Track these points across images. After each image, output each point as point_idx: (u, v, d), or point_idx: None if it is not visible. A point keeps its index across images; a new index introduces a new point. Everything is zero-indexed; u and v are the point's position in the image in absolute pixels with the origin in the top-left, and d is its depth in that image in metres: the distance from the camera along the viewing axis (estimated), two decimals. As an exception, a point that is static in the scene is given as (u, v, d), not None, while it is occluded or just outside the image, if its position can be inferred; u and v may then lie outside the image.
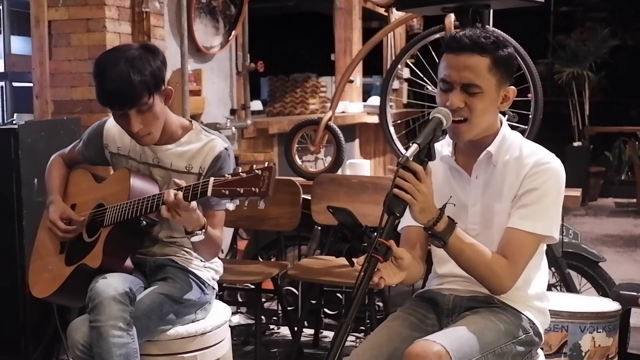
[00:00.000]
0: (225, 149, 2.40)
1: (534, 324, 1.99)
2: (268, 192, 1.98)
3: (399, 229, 2.00)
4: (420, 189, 1.76)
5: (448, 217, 1.85)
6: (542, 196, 1.90)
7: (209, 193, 2.04)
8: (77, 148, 2.61)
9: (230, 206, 2.06)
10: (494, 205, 1.97)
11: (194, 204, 2.12)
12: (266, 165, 2.01)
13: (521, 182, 1.93)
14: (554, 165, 1.94)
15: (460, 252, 1.87)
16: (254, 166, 2.02)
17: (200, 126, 2.47)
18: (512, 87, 1.97)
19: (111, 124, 2.49)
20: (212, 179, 2.05)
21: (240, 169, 2.04)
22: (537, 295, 2.03)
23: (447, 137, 2.05)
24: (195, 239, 2.20)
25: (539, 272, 2.04)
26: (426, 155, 1.83)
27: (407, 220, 2.01)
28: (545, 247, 2.03)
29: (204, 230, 2.20)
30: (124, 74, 2.20)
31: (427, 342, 1.78)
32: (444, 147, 2.05)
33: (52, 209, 2.49)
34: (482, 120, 1.93)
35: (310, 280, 3.44)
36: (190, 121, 2.49)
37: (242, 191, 1.99)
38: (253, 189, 1.98)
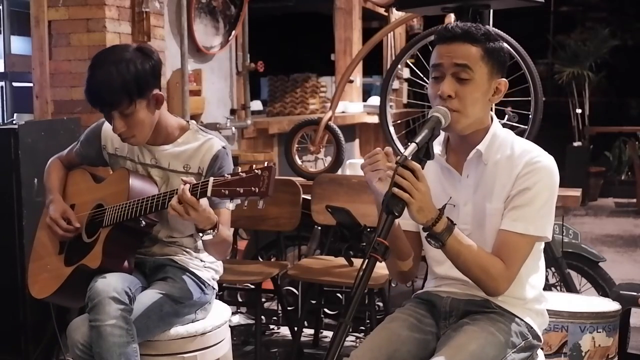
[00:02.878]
0: (223, 147, 2.39)
1: (532, 327, 1.98)
2: (268, 192, 1.97)
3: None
4: (419, 188, 1.76)
5: (447, 217, 1.84)
6: (534, 196, 1.88)
7: (209, 193, 2.04)
8: (75, 150, 2.61)
9: (231, 206, 2.06)
10: (486, 206, 1.95)
11: (203, 202, 2.11)
12: (266, 165, 2.00)
13: (513, 182, 1.91)
14: (546, 163, 1.91)
15: (457, 253, 1.86)
16: (254, 166, 2.01)
17: (197, 126, 2.47)
18: (504, 79, 1.95)
19: (108, 125, 2.49)
20: (211, 179, 2.05)
21: (240, 169, 2.03)
22: (535, 298, 2.02)
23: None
24: (206, 237, 2.19)
25: (536, 274, 2.02)
26: (425, 154, 1.82)
27: (402, 224, 2.01)
28: (542, 246, 2.02)
29: (216, 229, 2.19)
30: (105, 77, 2.20)
31: None
32: (434, 146, 2.03)
33: (53, 208, 2.49)
34: (474, 111, 1.91)
35: (310, 280, 3.44)
36: (187, 121, 2.49)
37: (241, 191, 1.99)
38: (253, 188, 1.98)
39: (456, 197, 2.00)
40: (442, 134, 2.02)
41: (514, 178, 1.91)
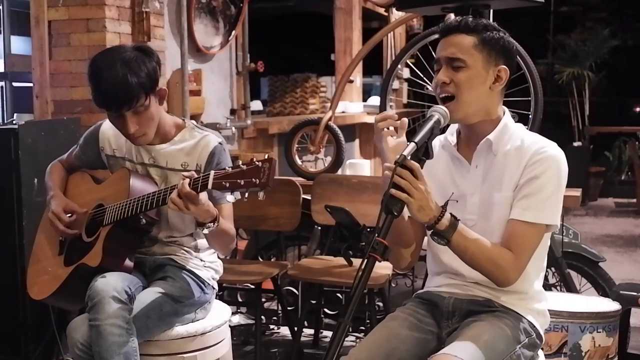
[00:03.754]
0: (220, 143, 2.40)
1: (534, 326, 1.98)
2: (268, 183, 1.98)
3: None
4: (417, 187, 1.76)
5: (451, 214, 1.84)
6: (543, 185, 1.90)
7: (210, 186, 2.04)
8: (75, 153, 2.62)
9: (230, 198, 2.07)
10: (494, 195, 1.96)
11: (203, 196, 2.12)
12: (266, 157, 2.01)
13: (522, 171, 1.92)
14: (553, 152, 1.93)
15: (464, 249, 1.86)
16: (254, 158, 2.03)
17: (193, 124, 2.48)
18: (504, 66, 1.96)
19: (106, 127, 2.50)
20: (212, 172, 2.06)
21: (240, 162, 2.04)
22: (537, 297, 2.02)
23: (452, 126, 2.05)
24: (206, 231, 2.20)
25: (538, 273, 2.03)
26: (424, 154, 1.82)
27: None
28: (548, 243, 2.03)
29: (216, 222, 2.20)
30: (120, 77, 2.20)
31: (448, 356, 1.78)
32: (447, 136, 2.06)
33: (55, 203, 2.49)
34: (470, 97, 1.92)
35: (310, 280, 3.44)
36: (183, 119, 2.50)
37: (242, 183, 2.00)
38: (253, 180, 1.99)
39: (464, 188, 2.01)
40: (455, 125, 2.04)
41: (522, 168, 1.93)
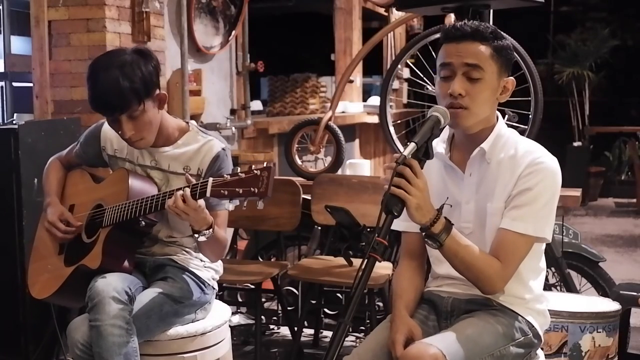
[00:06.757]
0: (223, 149, 2.39)
1: (532, 326, 1.98)
2: (267, 193, 1.97)
3: (394, 227, 1.97)
4: (416, 185, 1.76)
5: (445, 218, 1.84)
6: (535, 197, 1.89)
7: (208, 194, 2.04)
8: (75, 150, 2.62)
9: (230, 206, 2.05)
10: (487, 205, 1.95)
11: (201, 202, 2.12)
12: (265, 165, 2.00)
13: (515, 182, 1.91)
14: (549, 164, 1.91)
15: (455, 253, 1.86)
16: (253, 166, 2.01)
17: (197, 127, 2.47)
18: (511, 78, 1.96)
19: (108, 127, 2.50)
20: (210, 180, 2.05)
21: (239, 169, 2.03)
22: (536, 298, 2.02)
23: (442, 134, 2.05)
24: (202, 238, 2.20)
25: (537, 275, 2.02)
26: (424, 154, 1.82)
27: (405, 225, 2.01)
28: (543, 247, 2.02)
29: (211, 229, 2.19)
30: (112, 81, 2.19)
31: (423, 345, 1.79)
32: (438, 144, 2.03)
33: (51, 211, 2.49)
34: (483, 109, 1.92)
35: (310, 280, 3.44)
36: (187, 122, 2.49)
37: (240, 192, 1.99)
38: (252, 189, 1.98)
39: (459, 196, 2.00)
40: (447, 132, 2.03)
41: (515, 178, 1.91)
